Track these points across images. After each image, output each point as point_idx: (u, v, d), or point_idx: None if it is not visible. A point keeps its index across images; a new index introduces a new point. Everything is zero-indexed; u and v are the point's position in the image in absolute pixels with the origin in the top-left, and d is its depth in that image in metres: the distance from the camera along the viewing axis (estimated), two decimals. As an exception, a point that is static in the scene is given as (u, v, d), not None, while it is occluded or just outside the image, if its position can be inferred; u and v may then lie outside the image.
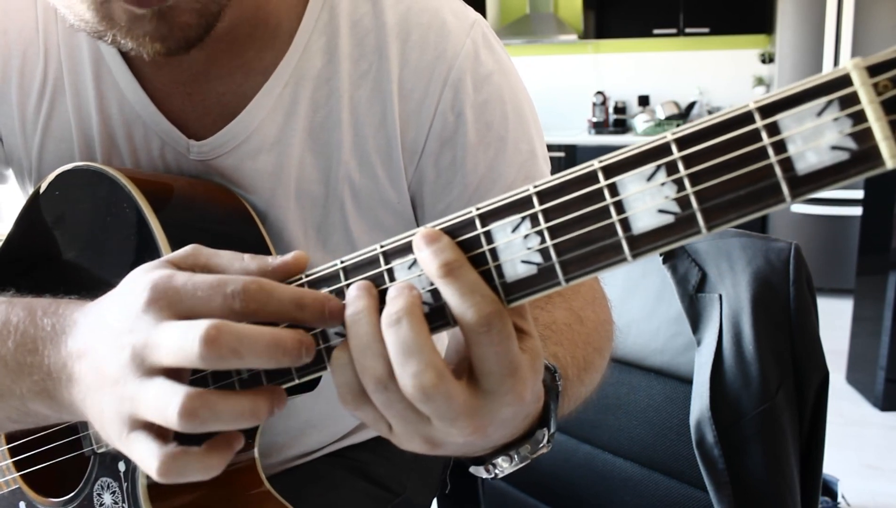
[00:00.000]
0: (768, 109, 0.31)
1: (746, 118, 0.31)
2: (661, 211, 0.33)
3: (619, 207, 0.34)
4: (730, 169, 0.32)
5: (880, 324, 2.56)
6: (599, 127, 4.51)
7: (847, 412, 2.64)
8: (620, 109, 4.60)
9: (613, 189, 0.34)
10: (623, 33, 4.43)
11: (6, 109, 0.69)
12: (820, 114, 0.30)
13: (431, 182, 0.66)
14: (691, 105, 4.36)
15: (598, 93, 4.54)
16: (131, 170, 0.65)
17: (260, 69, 0.64)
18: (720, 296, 0.81)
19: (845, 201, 3.57)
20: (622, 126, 4.55)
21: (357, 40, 0.64)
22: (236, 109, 0.65)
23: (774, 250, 0.80)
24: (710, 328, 0.81)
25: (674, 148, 0.33)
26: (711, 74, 4.43)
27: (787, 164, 0.31)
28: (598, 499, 0.94)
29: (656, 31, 4.31)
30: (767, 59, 4.26)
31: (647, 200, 0.33)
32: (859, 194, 3.09)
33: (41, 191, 0.64)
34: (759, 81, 4.29)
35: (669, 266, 0.84)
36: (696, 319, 0.83)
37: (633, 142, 0.33)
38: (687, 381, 0.84)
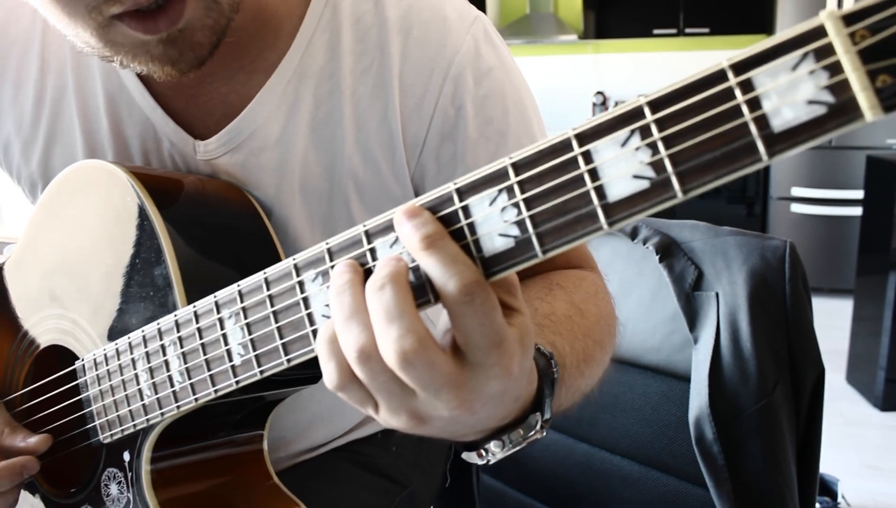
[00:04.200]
0: (741, 66, 0.30)
1: (719, 77, 0.30)
2: (635, 177, 0.32)
3: (594, 174, 0.33)
4: (703, 130, 0.31)
5: (880, 324, 2.55)
6: (599, 127, 4.51)
7: (847, 412, 2.64)
8: (620, 110, 4.60)
9: (588, 156, 0.33)
10: (623, 33, 4.43)
11: (2, 119, 0.69)
12: (795, 68, 0.29)
13: (433, 176, 0.66)
14: (691, 105, 4.36)
15: (598, 93, 4.54)
16: (137, 167, 0.65)
17: (263, 68, 0.65)
18: (717, 294, 0.81)
19: (845, 201, 3.57)
20: (622, 126, 4.54)
21: (359, 36, 0.65)
22: (240, 108, 0.65)
23: (770, 247, 0.80)
24: (707, 325, 0.81)
25: (647, 111, 0.32)
26: (711, 75, 4.42)
27: (762, 121, 0.29)
28: (597, 497, 0.94)
29: (656, 31, 4.31)
30: (767, 59, 4.26)
31: (621, 166, 0.33)
32: (859, 194, 3.09)
33: (50, 189, 0.64)
34: (760, 82, 4.29)
35: (665, 264, 0.85)
36: (692, 317, 0.83)
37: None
38: (683, 379, 0.84)
